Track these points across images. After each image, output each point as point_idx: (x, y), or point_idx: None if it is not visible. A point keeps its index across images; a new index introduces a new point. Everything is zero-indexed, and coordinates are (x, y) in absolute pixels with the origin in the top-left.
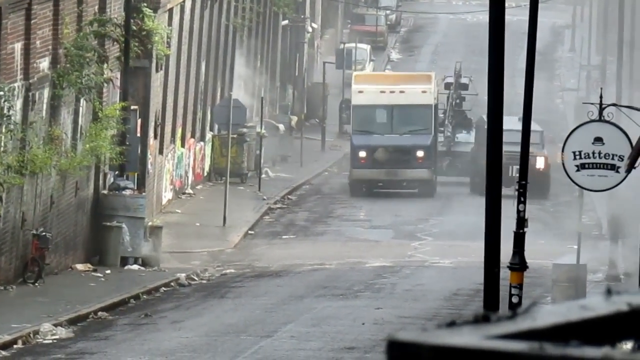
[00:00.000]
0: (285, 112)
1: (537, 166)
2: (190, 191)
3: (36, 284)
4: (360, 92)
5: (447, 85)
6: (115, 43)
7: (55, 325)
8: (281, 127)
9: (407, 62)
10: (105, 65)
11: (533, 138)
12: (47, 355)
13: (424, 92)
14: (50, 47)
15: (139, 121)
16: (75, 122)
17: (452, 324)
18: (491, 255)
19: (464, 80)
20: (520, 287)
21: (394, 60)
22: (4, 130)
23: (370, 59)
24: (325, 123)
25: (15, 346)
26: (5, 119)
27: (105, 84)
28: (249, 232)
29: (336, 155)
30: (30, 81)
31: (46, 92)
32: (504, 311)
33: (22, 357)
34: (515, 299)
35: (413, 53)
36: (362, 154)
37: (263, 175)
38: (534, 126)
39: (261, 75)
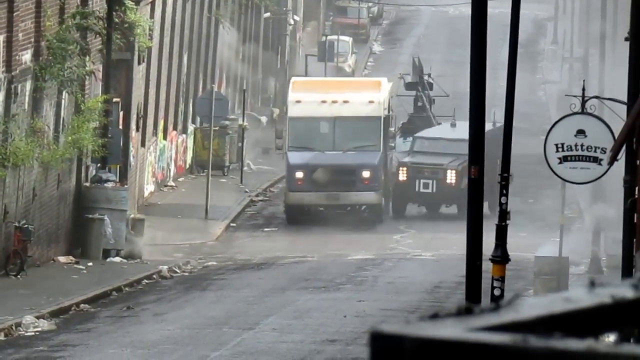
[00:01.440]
0: (267, 104)
1: (448, 180)
2: (172, 183)
3: (18, 276)
4: (298, 102)
5: (411, 86)
6: (97, 36)
7: (38, 317)
8: (263, 119)
9: (390, 54)
10: (87, 58)
11: (465, 147)
12: (29, 347)
13: (371, 102)
14: (32, 39)
15: (121, 113)
16: (57, 114)
17: (435, 316)
18: (473, 248)
19: (429, 79)
20: (502, 279)
21: (376, 53)
22: None
23: (352, 51)
24: None
25: None
26: None
27: (88, 77)
28: (231, 224)
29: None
30: (13, 73)
31: (28, 85)
32: (487, 304)
33: (3, 349)
34: (497, 292)
35: (395, 45)
36: (299, 174)
37: (245, 168)
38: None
39: (243, 68)
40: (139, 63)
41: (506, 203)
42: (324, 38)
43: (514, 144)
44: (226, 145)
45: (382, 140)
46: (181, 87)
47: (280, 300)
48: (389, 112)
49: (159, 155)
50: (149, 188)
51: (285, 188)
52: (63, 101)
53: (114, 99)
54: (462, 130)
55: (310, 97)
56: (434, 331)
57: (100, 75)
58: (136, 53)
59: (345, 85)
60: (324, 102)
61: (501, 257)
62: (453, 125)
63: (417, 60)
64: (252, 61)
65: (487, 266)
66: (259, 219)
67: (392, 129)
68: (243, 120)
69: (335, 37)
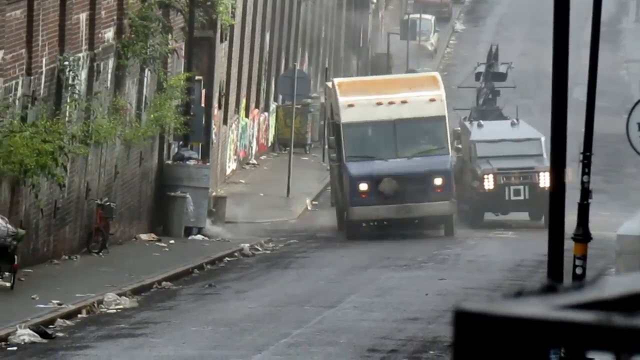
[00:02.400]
0: None
1: (541, 184)
2: (254, 161)
3: (100, 254)
4: (351, 105)
5: (478, 76)
6: (179, 13)
7: (120, 295)
8: None
9: (472, 33)
10: (170, 36)
11: (530, 148)
12: (111, 324)
13: (432, 100)
14: (115, 17)
15: (204, 91)
16: (139, 92)
17: (518, 295)
18: (555, 227)
19: (500, 67)
20: (584, 258)
21: (458, 31)
22: (68, 100)
23: (434, 30)
24: None
25: (79, 315)
26: (70, 88)
27: (170, 55)
28: (313, 202)
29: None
30: (95, 51)
31: (111, 63)
32: (569, 282)
33: (85, 326)
34: (579, 271)
35: (477, 24)
36: (363, 186)
37: (327, 146)
38: (531, 132)
39: (325, 46)
40: (222, 41)
41: (588, 182)
42: (406, 16)
43: (595, 123)
44: (308, 123)
45: (449, 141)
46: (263, 65)
47: (361, 278)
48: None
49: (240, 133)
50: (231, 166)
51: (347, 202)
52: (145, 79)
53: (197, 77)
54: (525, 129)
55: (364, 99)
56: (517, 309)
57: (182, 53)
58: (219, 31)
59: (398, 84)
60: (379, 104)
61: (583, 235)
62: (514, 124)
63: (495, 48)
64: (334, 39)
65: (569, 245)
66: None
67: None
68: (325, 98)
69: (417, 15)
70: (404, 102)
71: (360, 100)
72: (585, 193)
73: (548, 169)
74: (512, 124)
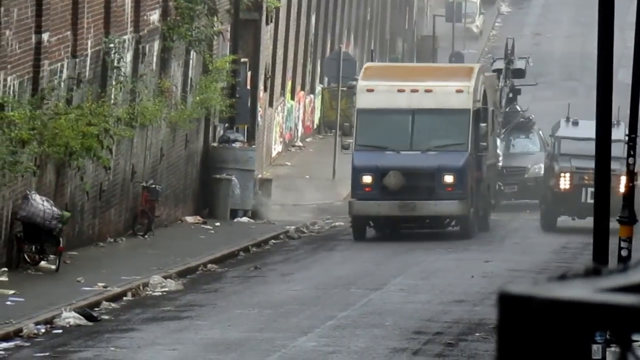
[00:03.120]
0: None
1: (619, 189)
2: (300, 144)
3: (146, 236)
4: (370, 90)
5: (495, 72)
6: None
7: (165, 277)
8: None
9: (517, 15)
10: (215, 18)
11: (619, 150)
12: (156, 307)
13: (459, 91)
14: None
15: (249, 74)
16: (185, 74)
17: (563, 277)
18: (600, 209)
19: (518, 64)
20: (629, 240)
21: (503, 14)
22: (114, 82)
23: (479, 12)
24: None
25: (124, 298)
26: (115, 71)
27: (215, 37)
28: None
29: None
30: (141, 34)
31: (156, 45)
32: (614, 265)
33: (131, 309)
34: (624, 253)
35: (523, 6)
36: (367, 179)
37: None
38: (617, 133)
39: (371, 28)
40: (267, 23)
41: (634, 164)
42: None
43: None
44: (354, 106)
45: (470, 138)
46: (309, 48)
47: (407, 260)
48: (483, 104)
49: (286, 116)
50: (277, 148)
51: (351, 195)
52: (191, 61)
53: (242, 59)
54: (622, 130)
55: (385, 84)
56: (562, 292)
57: (228, 35)
58: (264, 13)
59: (430, 72)
60: (401, 91)
61: (629, 218)
62: (575, 123)
63: (512, 42)
64: (379, 22)
65: (614, 227)
66: None
67: (484, 125)
68: None
69: None
70: (427, 90)
71: (380, 86)
72: (631, 175)
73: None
74: (574, 124)
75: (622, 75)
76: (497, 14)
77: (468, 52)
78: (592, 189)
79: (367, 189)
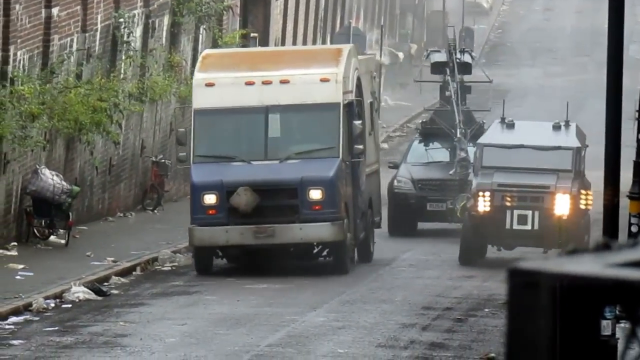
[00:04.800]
0: (404, 40)
1: (556, 210)
2: None
3: (155, 211)
4: (210, 84)
5: (437, 67)
6: None
7: (174, 252)
8: (400, 55)
9: None
10: None
11: (559, 160)
12: (165, 282)
13: (324, 80)
14: None
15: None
16: (194, 49)
17: (573, 252)
18: (611, 185)
19: (465, 57)
20: (639, 216)
21: None
22: (124, 57)
23: None
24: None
25: (134, 273)
26: (125, 45)
27: (225, 12)
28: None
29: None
30: (150, 8)
31: (166, 20)
32: (624, 240)
33: (140, 283)
34: (634, 229)
35: None
36: (210, 198)
37: (382, 104)
38: (570, 140)
39: (381, 3)
40: None
41: None
42: None
43: None
44: None
45: (343, 140)
46: (319, 23)
47: (417, 236)
48: (357, 96)
49: None
50: None
51: (190, 220)
52: (200, 36)
53: (252, 34)
54: (540, 132)
55: (229, 76)
56: (572, 267)
57: (237, 10)
58: None
59: (286, 57)
60: (250, 83)
61: (639, 194)
62: (510, 125)
63: (453, 31)
64: None
65: (624, 203)
66: (396, 155)
67: (359, 122)
68: (380, 56)
69: None
70: (284, 81)
71: (222, 78)
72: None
73: (569, 189)
74: (555, 127)
75: (632, 51)
76: None
77: (478, 28)
78: (519, 212)
79: (210, 212)
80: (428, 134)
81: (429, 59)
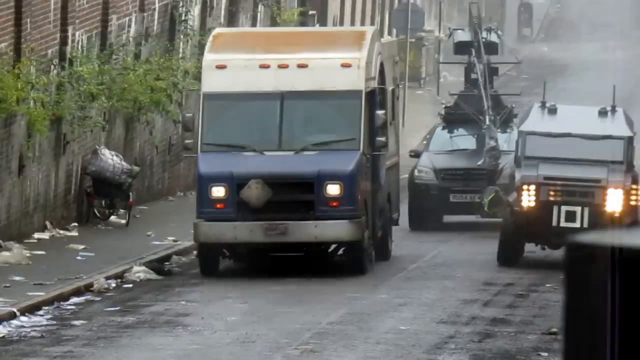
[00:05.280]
0: (464, 15)
1: (608, 207)
2: None
3: None
4: (221, 67)
5: (461, 47)
6: None
7: None
8: (459, 31)
9: None
10: None
11: (610, 150)
12: (226, 260)
13: (346, 65)
14: None
15: (317, 26)
16: (253, 27)
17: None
18: None
19: (491, 36)
20: None
21: None
22: (182, 36)
23: None
24: (504, 27)
25: (194, 252)
26: (183, 24)
27: None
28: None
29: (515, 58)
30: None
31: (224, 0)
32: None
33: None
34: None
35: None
36: (218, 191)
37: (441, 80)
38: (620, 128)
39: None
40: None
41: None
42: None
43: None
44: (422, 57)
45: (365, 131)
46: (377, 0)
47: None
48: (380, 83)
49: None
50: None
51: (196, 214)
52: (259, 14)
53: (310, 12)
54: (586, 120)
55: (242, 58)
56: (629, 240)
57: None
58: None
59: (305, 39)
60: (264, 66)
61: None
62: (552, 110)
63: (477, 7)
64: None
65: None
66: None
67: (382, 112)
68: (439, 32)
69: None
70: (301, 65)
71: (235, 60)
72: None
73: (622, 184)
74: (602, 113)
75: None
76: None
77: (536, 3)
78: (567, 208)
79: (218, 206)
80: (452, 120)
81: (451, 38)
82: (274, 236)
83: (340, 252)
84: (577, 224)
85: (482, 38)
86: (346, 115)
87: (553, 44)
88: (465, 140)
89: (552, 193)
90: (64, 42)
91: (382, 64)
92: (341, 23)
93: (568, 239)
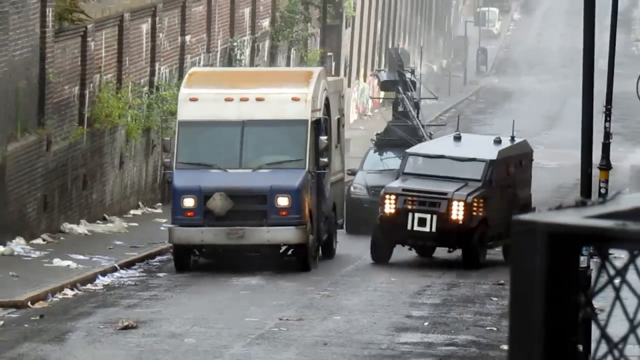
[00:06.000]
0: (437, 56)
1: (452, 216)
2: (370, 113)
3: None
4: (193, 99)
5: (388, 85)
6: (316, 8)
7: None
8: (434, 67)
9: (525, 20)
10: (309, 24)
11: (471, 171)
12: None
13: (295, 99)
14: (269, 10)
15: (334, 63)
16: (288, 65)
17: (559, 208)
18: (586, 159)
19: (412, 76)
20: (606, 182)
21: (515, 20)
22: None
23: (498, 18)
24: (467, 65)
25: None
26: (238, 63)
27: (309, 38)
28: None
29: (474, 88)
30: (255, 35)
31: (267, 44)
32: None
33: None
34: (602, 191)
35: (530, 14)
36: (189, 202)
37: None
38: (489, 152)
39: (421, 30)
40: (346, 27)
41: (609, 127)
42: (478, 9)
43: (614, 85)
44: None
45: (310, 153)
46: (376, 44)
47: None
48: (325, 114)
49: (360, 93)
50: (353, 117)
51: (171, 220)
52: (292, 55)
53: (328, 53)
54: (470, 145)
55: (211, 92)
56: (558, 218)
57: (318, 36)
58: (344, 20)
59: (263, 78)
60: (229, 99)
61: (606, 165)
62: (457, 138)
63: (394, 52)
64: (426, 25)
65: (596, 172)
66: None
67: (324, 138)
68: (420, 68)
69: (486, 8)
70: (259, 99)
71: (205, 94)
72: (607, 135)
73: (463, 197)
74: (496, 142)
75: (601, 64)
76: (511, 20)
77: (490, 47)
78: (419, 215)
79: (189, 214)
80: (382, 145)
81: (377, 78)
82: (234, 239)
83: (290, 252)
84: (427, 229)
85: (407, 78)
86: (295, 140)
87: (502, 77)
88: (393, 161)
89: (408, 202)
90: (152, 74)
91: (327, 98)
92: (350, 61)
93: (514, 218)
